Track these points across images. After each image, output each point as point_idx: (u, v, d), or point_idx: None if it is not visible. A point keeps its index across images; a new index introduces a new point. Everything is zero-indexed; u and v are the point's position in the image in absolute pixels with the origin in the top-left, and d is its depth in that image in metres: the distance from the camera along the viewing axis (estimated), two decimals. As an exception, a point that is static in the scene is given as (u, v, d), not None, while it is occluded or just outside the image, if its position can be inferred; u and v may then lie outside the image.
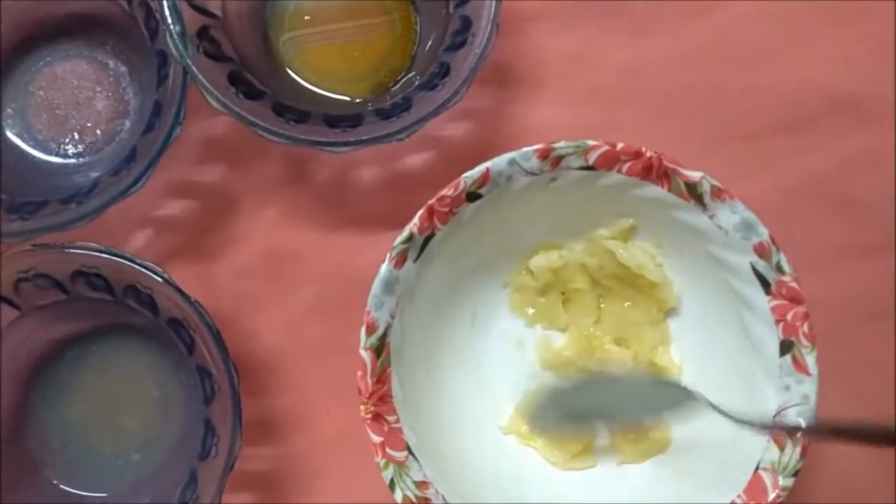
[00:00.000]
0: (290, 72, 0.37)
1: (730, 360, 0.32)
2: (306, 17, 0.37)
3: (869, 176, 0.37)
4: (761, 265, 0.30)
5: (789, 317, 0.30)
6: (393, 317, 0.31)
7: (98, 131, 0.37)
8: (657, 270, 0.34)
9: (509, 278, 0.36)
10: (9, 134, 0.37)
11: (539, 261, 0.35)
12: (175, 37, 0.31)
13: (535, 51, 0.38)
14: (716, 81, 0.38)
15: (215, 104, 0.31)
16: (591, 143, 0.30)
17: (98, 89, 0.37)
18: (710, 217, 0.31)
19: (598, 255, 0.34)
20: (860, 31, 0.38)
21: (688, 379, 0.34)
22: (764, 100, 0.38)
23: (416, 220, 0.31)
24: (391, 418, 0.31)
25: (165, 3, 0.31)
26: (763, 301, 0.30)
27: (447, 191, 0.31)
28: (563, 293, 0.36)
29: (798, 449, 0.30)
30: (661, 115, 0.38)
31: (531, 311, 0.36)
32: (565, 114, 0.38)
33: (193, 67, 0.31)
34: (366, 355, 0.30)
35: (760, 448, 0.30)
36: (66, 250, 0.31)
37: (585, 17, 0.38)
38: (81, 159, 0.37)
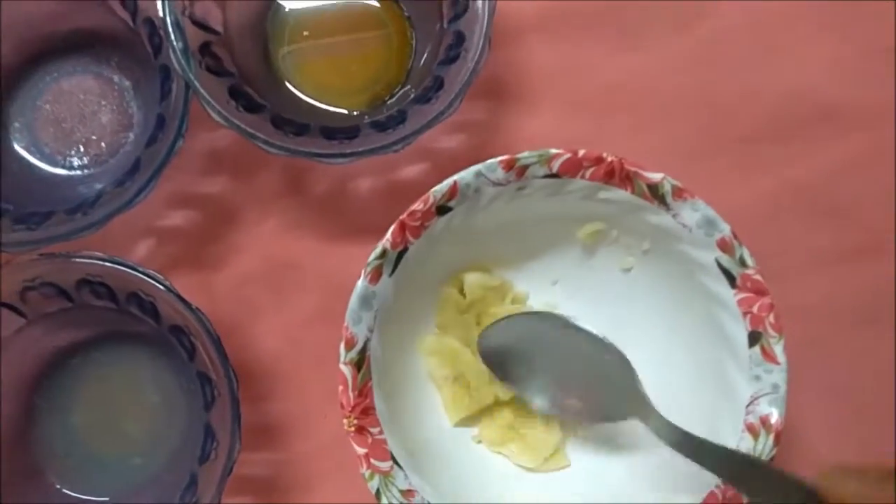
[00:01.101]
0: (289, 85, 0.38)
1: (702, 355, 0.33)
2: (305, 33, 0.38)
3: (856, 182, 0.38)
4: (725, 260, 0.31)
5: (755, 308, 0.31)
6: (371, 331, 0.31)
7: (103, 144, 0.38)
8: None
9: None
10: (16, 147, 0.38)
11: (472, 278, 0.35)
12: (178, 53, 0.32)
13: (526, 64, 0.39)
14: (706, 90, 0.39)
15: (216, 117, 0.32)
16: (553, 151, 0.31)
17: (103, 103, 0.38)
18: (674, 216, 0.31)
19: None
20: (846, 40, 0.39)
21: (662, 377, 0.34)
22: (753, 108, 0.38)
23: (388, 235, 0.31)
24: (374, 430, 0.31)
25: (169, 21, 0.32)
26: (729, 295, 0.31)
27: (417, 205, 0.31)
28: (479, 315, 0.35)
29: (771, 437, 0.30)
30: (651, 124, 0.38)
31: (444, 323, 0.35)
32: (557, 125, 0.38)
33: (195, 82, 0.32)
34: (346, 370, 0.30)
35: (735, 438, 0.31)
36: (72, 259, 0.32)
37: (575, 30, 0.39)
38: (87, 171, 0.38)
